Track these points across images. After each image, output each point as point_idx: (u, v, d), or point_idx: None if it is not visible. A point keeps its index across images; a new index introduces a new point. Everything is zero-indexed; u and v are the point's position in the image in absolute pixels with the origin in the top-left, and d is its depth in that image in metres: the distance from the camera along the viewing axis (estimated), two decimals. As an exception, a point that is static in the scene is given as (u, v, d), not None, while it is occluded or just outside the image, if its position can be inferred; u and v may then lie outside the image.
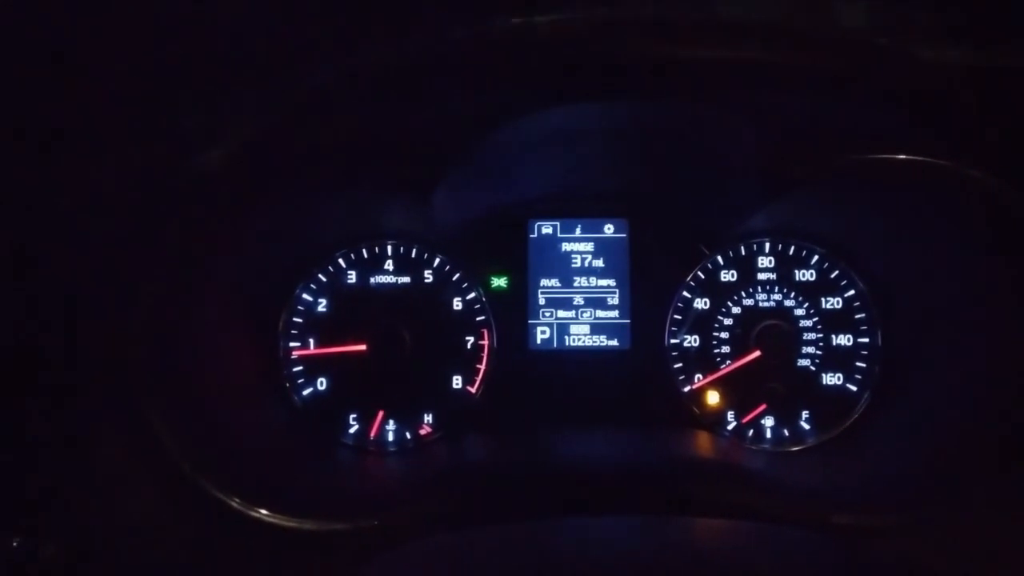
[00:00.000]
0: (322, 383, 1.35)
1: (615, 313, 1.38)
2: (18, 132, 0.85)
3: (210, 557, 0.98)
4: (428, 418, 1.37)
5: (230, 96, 0.93)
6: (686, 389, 1.36)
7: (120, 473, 0.98)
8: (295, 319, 1.35)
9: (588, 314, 1.38)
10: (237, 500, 0.97)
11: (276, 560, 0.99)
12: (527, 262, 1.38)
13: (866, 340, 1.34)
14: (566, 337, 1.38)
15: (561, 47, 0.79)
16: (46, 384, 0.93)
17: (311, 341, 1.35)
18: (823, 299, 1.35)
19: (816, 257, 1.36)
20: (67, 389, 0.93)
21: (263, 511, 0.98)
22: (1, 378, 0.90)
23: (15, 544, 0.89)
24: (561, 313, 1.38)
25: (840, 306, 1.35)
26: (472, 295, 1.37)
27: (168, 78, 0.86)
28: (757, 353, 1.33)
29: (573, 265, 1.38)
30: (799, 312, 1.36)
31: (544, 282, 1.38)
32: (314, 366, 1.35)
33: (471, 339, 1.37)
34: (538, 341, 1.38)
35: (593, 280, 1.38)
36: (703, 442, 1.25)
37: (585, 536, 0.82)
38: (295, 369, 1.35)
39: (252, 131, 0.93)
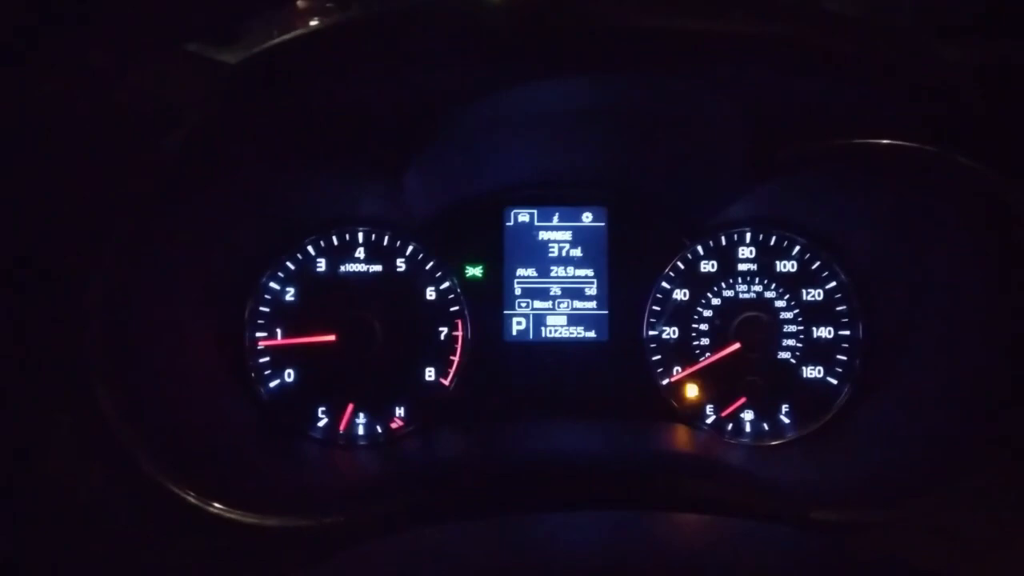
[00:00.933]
0: (290, 375, 1.30)
1: (593, 304, 1.35)
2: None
3: (169, 554, 0.93)
4: (400, 411, 1.32)
5: (188, 71, 0.89)
6: (665, 382, 1.33)
7: (73, 466, 0.93)
8: (262, 308, 1.30)
9: (565, 305, 1.34)
10: (192, 494, 0.92)
11: (236, 557, 0.94)
12: (503, 251, 1.34)
13: (847, 332, 1.32)
14: (543, 328, 1.35)
15: (526, 17, 0.75)
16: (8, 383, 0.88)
17: (278, 331, 1.30)
18: (804, 290, 1.33)
19: (797, 248, 1.33)
20: (16, 379, 0.89)
21: (218, 505, 0.94)
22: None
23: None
24: (538, 304, 1.35)
25: (821, 298, 1.33)
26: (446, 284, 1.33)
27: (125, 53, 0.82)
28: (737, 345, 1.31)
29: (550, 254, 1.35)
30: (780, 304, 1.33)
31: (520, 271, 1.35)
32: (281, 357, 1.30)
33: (445, 330, 1.33)
34: (514, 332, 1.35)
35: (571, 270, 1.35)
36: (681, 436, 1.22)
37: (559, 532, 0.78)
38: (261, 360, 1.30)
39: (212, 109, 0.89)
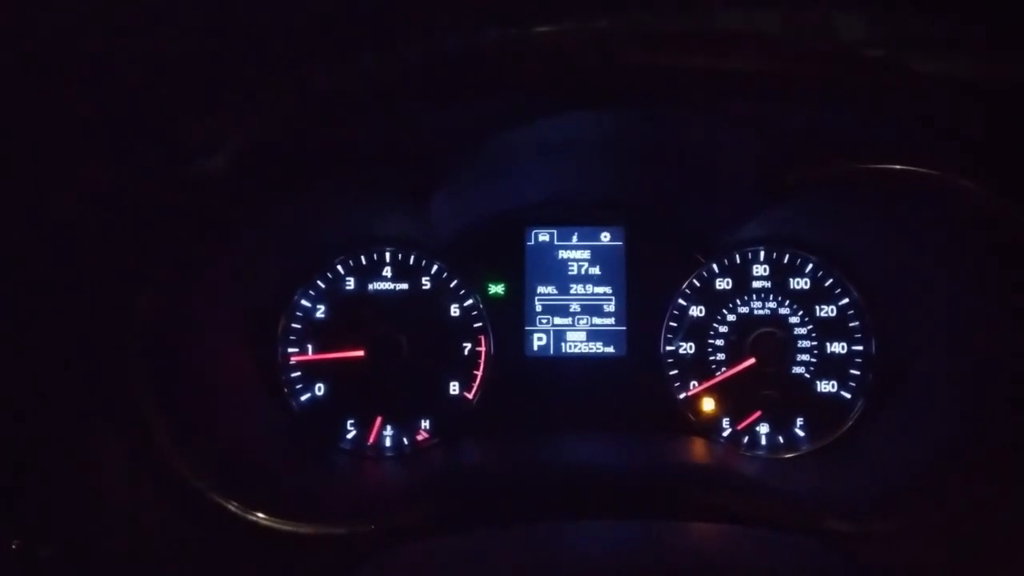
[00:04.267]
0: (320, 388, 1.36)
1: (611, 320, 1.39)
2: (17, 131, 0.85)
3: (207, 560, 0.98)
4: (425, 424, 1.37)
5: (232, 102, 0.95)
6: (681, 396, 1.37)
7: (118, 475, 0.99)
8: (294, 325, 1.36)
9: (584, 321, 1.39)
10: (235, 504, 0.98)
11: (273, 564, 0.99)
12: (524, 269, 1.39)
13: (860, 348, 1.35)
14: (563, 344, 1.39)
15: (556, 58, 0.80)
16: (44, 388, 0.93)
17: (309, 347, 1.36)
18: (817, 307, 1.37)
19: (810, 265, 1.37)
20: (65, 392, 0.94)
21: (260, 515, 0.99)
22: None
23: (14, 546, 0.90)
24: (558, 320, 1.39)
25: (834, 314, 1.36)
26: (469, 302, 1.38)
27: (170, 82, 0.87)
28: (752, 360, 1.34)
29: (570, 272, 1.39)
30: (794, 320, 1.37)
31: (541, 289, 1.40)
32: (312, 372, 1.36)
33: (468, 345, 1.38)
34: (535, 348, 1.39)
35: (590, 287, 1.39)
36: (698, 448, 1.26)
37: (579, 539, 0.82)
38: (293, 375, 1.35)
39: (252, 139, 0.95)
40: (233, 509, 0.97)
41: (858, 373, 1.35)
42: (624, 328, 1.39)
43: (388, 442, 1.37)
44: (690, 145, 1.11)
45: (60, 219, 0.93)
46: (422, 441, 1.37)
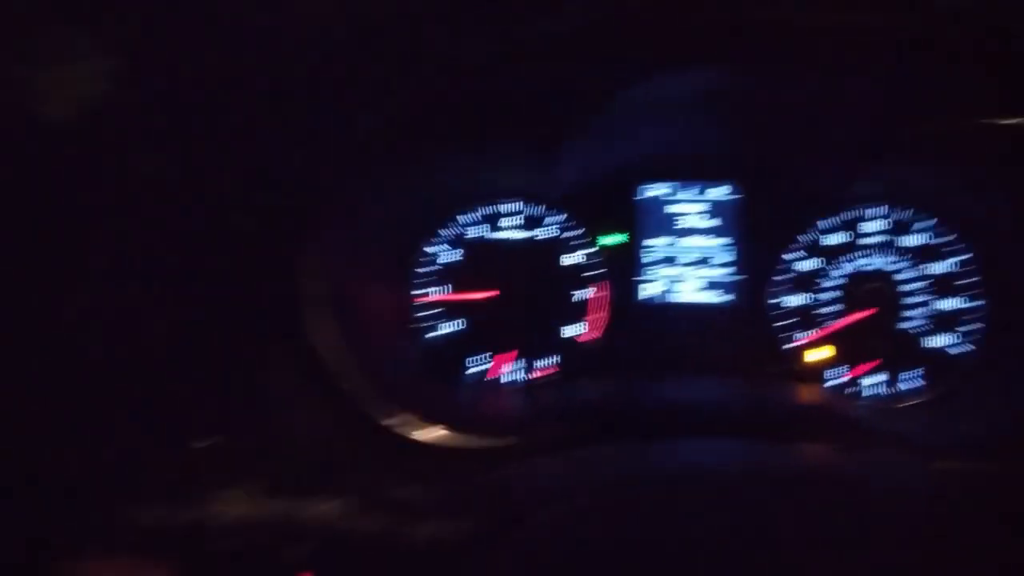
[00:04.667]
0: (448, 326, 1.48)
1: (722, 271, 1.45)
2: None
3: (360, 465, 1.11)
4: (544, 362, 1.48)
5: (392, 64, 1.05)
6: (788, 346, 1.43)
7: (294, 405, 1.13)
8: (427, 268, 1.48)
9: (695, 272, 1.46)
10: (390, 419, 1.11)
11: (418, 470, 1.12)
12: (639, 221, 1.46)
13: (972, 304, 1.37)
14: (673, 293, 1.47)
15: (694, 15, 0.87)
16: (234, 324, 1.07)
17: (441, 288, 1.48)
18: (931, 263, 1.39)
19: (925, 222, 1.39)
20: (250, 326, 1.08)
21: (414, 431, 1.12)
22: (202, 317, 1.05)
23: (204, 445, 1.05)
24: (669, 270, 1.46)
25: (947, 271, 1.38)
26: (588, 251, 1.47)
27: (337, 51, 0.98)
28: (863, 313, 1.39)
29: (683, 225, 1.46)
30: (906, 275, 1.40)
31: (652, 241, 1.47)
32: (440, 311, 1.48)
33: (585, 291, 1.47)
34: (648, 295, 1.47)
35: (701, 240, 1.46)
36: (806, 392, 1.32)
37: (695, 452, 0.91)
38: (427, 312, 1.48)
39: (406, 101, 1.05)
40: (388, 423, 1.10)
41: (969, 329, 1.37)
42: (734, 279, 1.45)
43: (507, 378, 1.48)
44: (809, 100, 1.16)
45: (248, 179, 1.07)
46: (539, 378, 1.48)
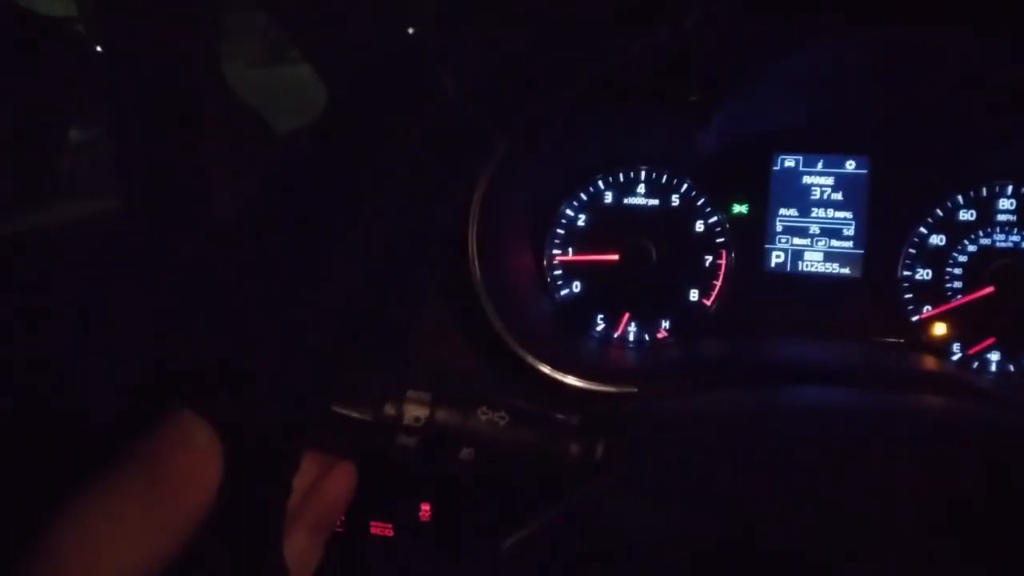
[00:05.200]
0: (577, 286, 1.59)
1: (849, 244, 1.50)
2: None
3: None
4: (666, 324, 1.57)
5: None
6: (914, 319, 1.46)
7: (446, 340, 1.28)
8: (559, 231, 1.59)
9: (823, 243, 1.51)
10: (531, 357, 1.23)
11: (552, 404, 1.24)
12: (769, 191, 1.52)
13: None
14: (800, 262, 1.52)
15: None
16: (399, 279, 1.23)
17: (570, 250, 1.59)
18: (1064, 242, 1.39)
19: (1058, 200, 1.39)
20: (413, 279, 1.23)
21: (546, 368, 1.25)
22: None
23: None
24: (797, 240, 1.52)
25: (1080, 250, 1.38)
26: (714, 219, 1.54)
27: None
28: (990, 289, 1.40)
29: (812, 197, 1.51)
30: (1038, 253, 1.41)
31: (783, 211, 1.52)
32: (572, 271, 1.59)
33: (710, 258, 1.55)
34: (773, 264, 1.53)
35: (830, 212, 1.50)
36: (930, 360, 1.36)
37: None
38: (556, 272, 1.59)
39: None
40: (530, 360, 1.23)
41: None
42: (862, 252, 1.49)
43: (632, 336, 1.58)
44: (948, 74, 1.19)
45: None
46: (662, 338, 1.57)
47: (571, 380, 1.27)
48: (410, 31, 0.54)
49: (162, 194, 1.30)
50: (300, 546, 0.65)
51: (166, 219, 1.26)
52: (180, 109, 1.41)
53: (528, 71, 0.52)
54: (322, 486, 0.66)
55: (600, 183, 1.58)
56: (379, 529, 1.30)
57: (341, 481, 0.67)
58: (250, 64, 3.79)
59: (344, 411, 0.64)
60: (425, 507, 1.26)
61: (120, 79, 1.46)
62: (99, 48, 1.85)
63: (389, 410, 0.66)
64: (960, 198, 1.44)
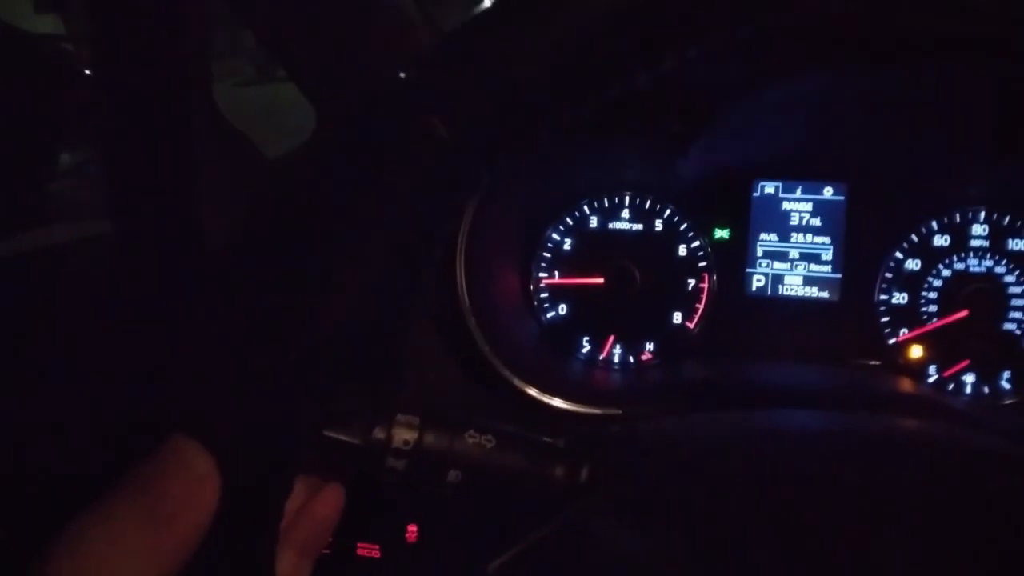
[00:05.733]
0: (563, 308, 1.61)
1: (828, 268, 1.53)
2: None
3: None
4: (650, 346, 1.59)
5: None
6: (891, 341, 1.50)
7: (432, 359, 1.29)
8: (545, 254, 1.62)
9: (802, 267, 1.54)
10: (517, 379, 1.25)
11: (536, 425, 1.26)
12: (750, 217, 1.56)
13: (1069, 311, 1.41)
14: (780, 286, 1.55)
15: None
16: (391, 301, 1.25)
17: (556, 273, 1.61)
18: (1035, 267, 1.43)
19: (1026, 226, 1.44)
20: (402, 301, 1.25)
21: (533, 390, 1.27)
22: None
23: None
24: (777, 264, 1.55)
25: (1050, 275, 1.43)
26: (697, 243, 1.57)
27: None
28: (964, 313, 1.44)
29: (791, 223, 1.54)
30: (1009, 279, 1.44)
31: (763, 236, 1.56)
32: (558, 294, 1.61)
33: (693, 282, 1.58)
34: (754, 288, 1.56)
35: (809, 237, 1.54)
36: (907, 382, 1.39)
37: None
38: (543, 295, 1.62)
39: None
40: (516, 383, 1.25)
41: (1065, 333, 1.41)
42: (840, 276, 1.52)
43: (617, 359, 1.60)
44: (925, 99, 1.23)
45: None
46: (646, 360, 1.59)
47: (557, 402, 1.29)
48: (401, 75, 0.56)
49: (152, 217, 1.31)
50: (289, 568, 0.66)
51: (156, 243, 1.27)
52: (170, 131, 1.43)
53: (522, 114, 0.54)
54: (311, 508, 0.68)
55: (585, 208, 1.61)
56: (366, 551, 1.30)
57: (329, 503, 0.69)
58: (238, 83, 3.81)
59: (335, 435, 0.66)
60: (412, 528, 1.27)
61: (109, 100, 1.47)
62: (87, 71, 1.87)
63: (378, 434, 0.67)
64: (935, 224, 1.49)
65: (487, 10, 0.57)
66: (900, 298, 1.50)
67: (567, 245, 1.62)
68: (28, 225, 1.55)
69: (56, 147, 1.74)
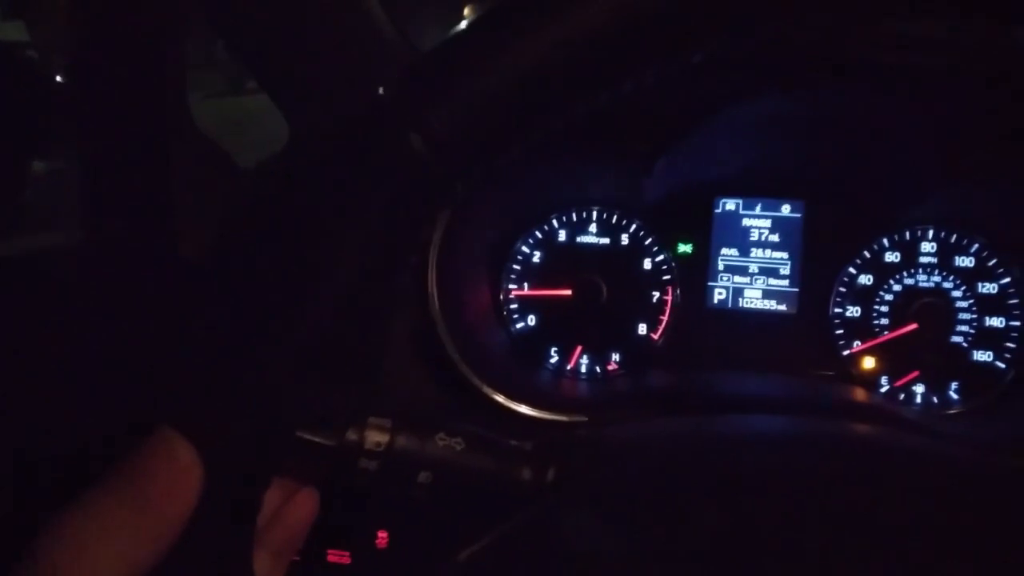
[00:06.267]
0: (532, 319, 1.65)
1: (785, 282, 1.59)
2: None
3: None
4: (616, 357, 1.64)
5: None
6: (845, 353, 1.56)
7: (405, 366, 1.32)
8: (514, 266, 1.66)
9: (761, 281, 1.60)
10: (487, 387, 1.29)
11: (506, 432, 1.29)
12: (711, 232, 1.62)
13: (1018, 323, 1.49)
14: (740, 299, 1.61)
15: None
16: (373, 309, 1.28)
17: (525, 285, 1.65)
18: (980, 284, 1.51)
19: (976, 245, 1.51)
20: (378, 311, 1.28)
21: (500, 397, 1.30)
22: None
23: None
24: (737, 278, 1.61)
25: (996, 291, 1.50)
26: (661, 257, 1.63)
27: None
28: (914, 326, 1.51)
29: (751, 238, 1.61)
30: (956, 294, 1.52)
31: (724, 251, 1.62)
32: (527, 305, 1.65)
33: (657, 294, 1.63)
34: (715, 301, 1.62)
35: (768, 252, 1.60)
36: (860, 392, 1.45)
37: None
38: (512, 306, 1.65)
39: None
40: (485, 390, 1.29)
41: (1013, 346, 1.49)
42: (797, 290, 1.59)
43: (584, 368, 1.64)
44: (879, 125, 1.30)
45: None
46: (612, 371, 1.64)
47: (525, 409, 1.32)
48: (380, 91, 0.59)
49: (127, 225, 1.33)
50: (264, 570, 0.68)
51: (131, 250, 1.29)
52: (145, 138, 1.44)
53: (499, 131, 0.57)
54: (286, 511, 0.69)
55: (554, 222, 1.66)
56: (336, 557, 1.32)
57: (304, 506, 0.70)
58: (210, 95, 3.81)
59: (309, 436, 0.68)
60: (382, 534, 1.29)
61: (84, 108, 1.48)
62: (59, 78, 1.87)
63: (351, 435, 0.69)
64: (886, 241, 1.56)
65: (464, 28, 0.60)
66: (854, 311, 1.57)
67: (536, 258, 1.66)
68: (1, 233, 1.55)
69: (29, 155, 1.74)
